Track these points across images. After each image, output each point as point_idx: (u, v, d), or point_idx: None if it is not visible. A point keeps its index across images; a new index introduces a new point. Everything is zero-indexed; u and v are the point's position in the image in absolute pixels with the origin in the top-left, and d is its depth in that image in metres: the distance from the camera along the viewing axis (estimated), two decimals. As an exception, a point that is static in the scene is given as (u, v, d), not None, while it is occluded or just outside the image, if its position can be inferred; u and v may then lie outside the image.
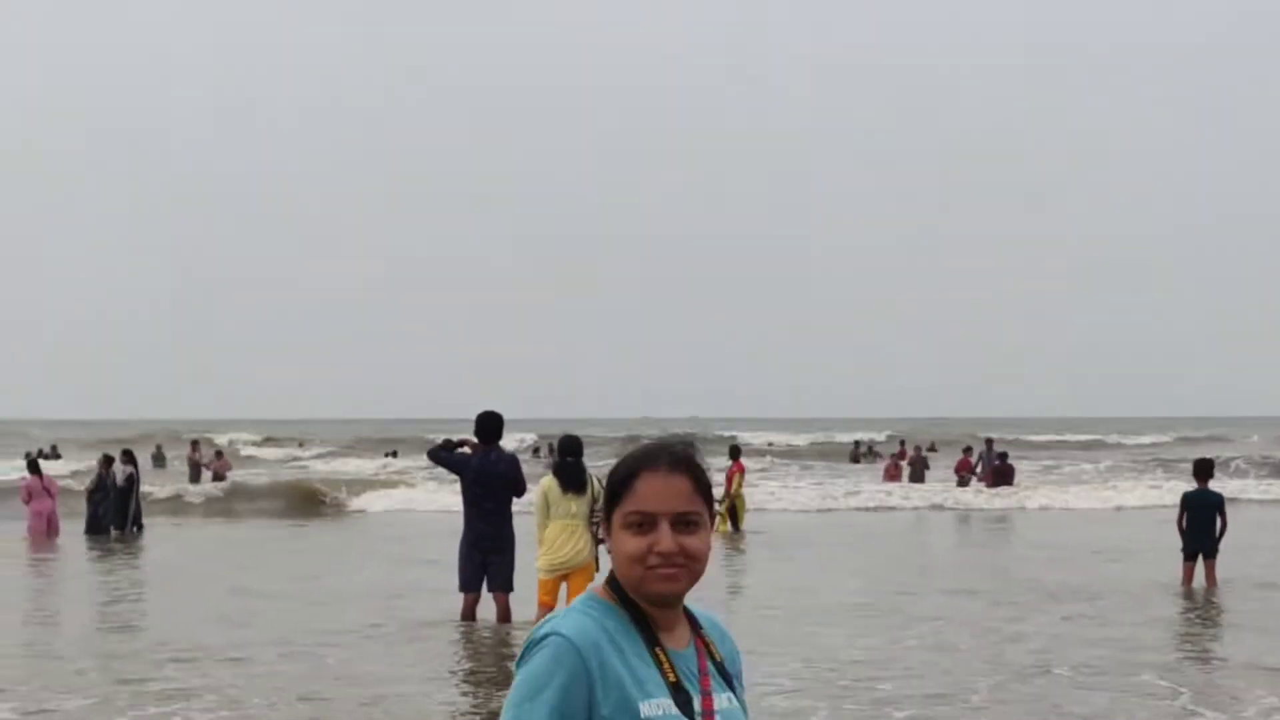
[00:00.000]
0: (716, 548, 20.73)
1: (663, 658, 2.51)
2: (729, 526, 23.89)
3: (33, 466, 24.54)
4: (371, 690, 9.91)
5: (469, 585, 12.42)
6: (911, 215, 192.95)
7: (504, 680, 10.32)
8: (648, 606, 2.53)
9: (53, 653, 11.90)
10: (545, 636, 2.48)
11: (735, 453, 25.62)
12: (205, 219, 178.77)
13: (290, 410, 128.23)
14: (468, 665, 11.17)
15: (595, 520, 11.52)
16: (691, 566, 2.51)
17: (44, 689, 10.05)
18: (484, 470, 12.30)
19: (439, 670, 10.83)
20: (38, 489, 23.21)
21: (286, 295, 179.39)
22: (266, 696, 9.67)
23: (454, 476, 13.63)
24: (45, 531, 22.75)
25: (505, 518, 12.44)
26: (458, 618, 12.46)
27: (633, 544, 2.49)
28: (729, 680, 2.62)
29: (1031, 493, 33.23)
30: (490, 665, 11.09)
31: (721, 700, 2.56)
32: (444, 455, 12.67)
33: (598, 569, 11.77)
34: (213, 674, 10.51)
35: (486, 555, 12.33)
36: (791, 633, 12.57)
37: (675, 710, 2.47)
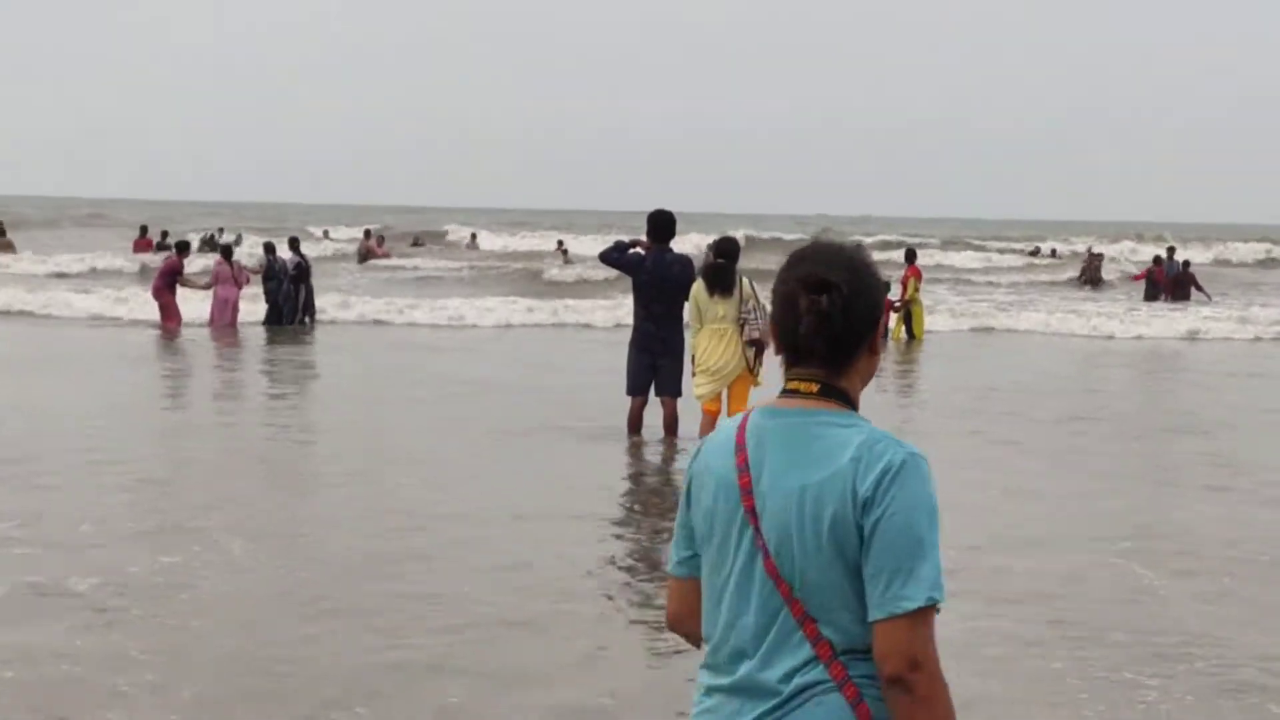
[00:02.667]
0: (887, 356, 20.79)
1: None
2: (904, 333, 23.51)
3: (226, 252, 24.78)
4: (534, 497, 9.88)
5: (637, 389, 12.24)
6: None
7: (664, 491, 10.23)
8: None
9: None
10: (914, 454, 2.44)
11: (911, 256, 25.06)
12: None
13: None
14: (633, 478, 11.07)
15: (743, 321, 11.23)
16: None
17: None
18: (657, 271, 12.00)
19: (606, 479, 10.75)
20: (226, 275, 23.56)
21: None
22: (422, 501, 9.65)
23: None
24: (230, 320, 23.19)
25: (676, 320, 12.18)
26: (624, 422, 12.30)
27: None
28: None
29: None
30: (653, 477, 11.00)
31: None
32: (615, 256, 12.34)
33: (754, 375, 11.48)
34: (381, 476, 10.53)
35: (656, 359, 12.10)
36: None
37: None
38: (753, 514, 2.45)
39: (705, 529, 2.54)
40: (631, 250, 12.23)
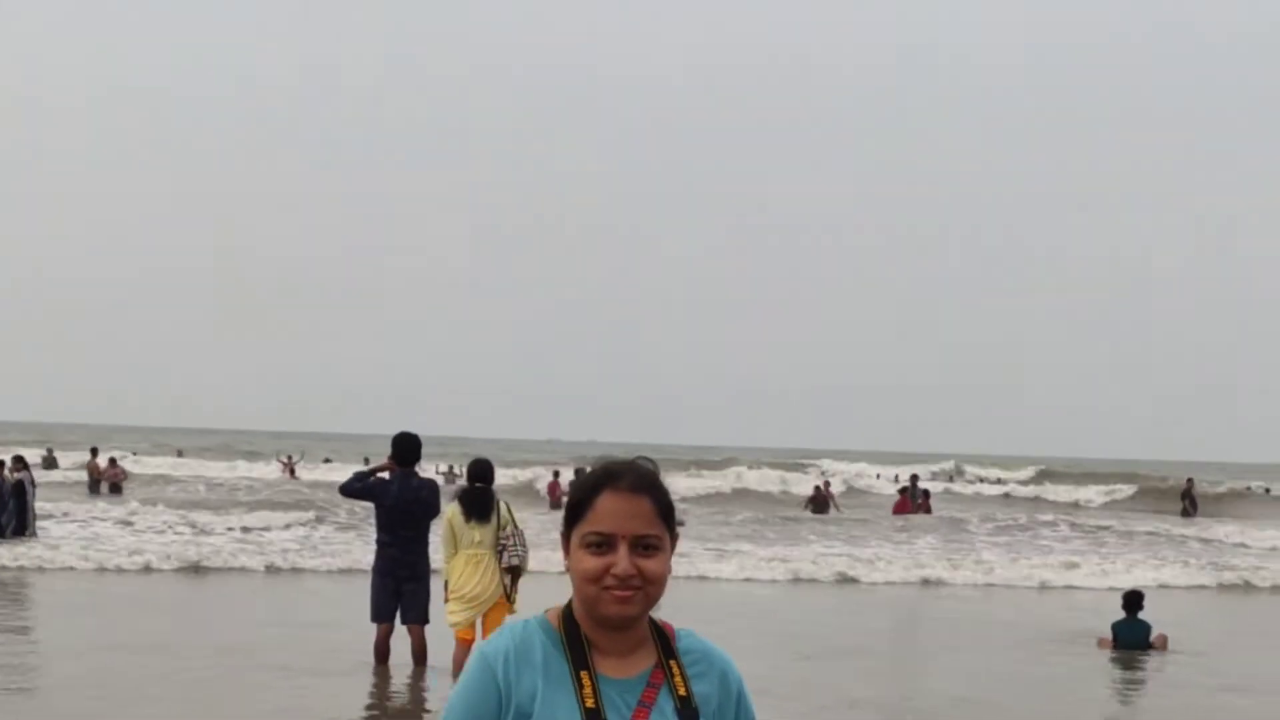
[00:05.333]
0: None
1: (586, 681, 2.45)
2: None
3: None
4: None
5: (382, 614, 11.66)
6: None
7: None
8: (594, 629, 2.49)
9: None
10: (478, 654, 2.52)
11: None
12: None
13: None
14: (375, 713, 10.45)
15: (502, 546, 10.91)
16: (647, 590, 2.46)
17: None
18: (403, 495, 11.59)
19: (349, 713, 10.12)
20: None
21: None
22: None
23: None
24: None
25: (423, 545, 11.75)
26: (370, 653, 11.69)
27: (590, 564, 2.45)
28: (690, 716, 2.48)
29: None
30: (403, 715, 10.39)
31: None
32: (357, 486, 11.90)
33: (511, 602, 11.13)
34: None
35: (401, 584, 11.59)
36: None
37: None
38: None
39: None
40: (374, 476, 11.85)
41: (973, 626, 16.28)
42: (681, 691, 2.48)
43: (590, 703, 2.44)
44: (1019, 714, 10.74)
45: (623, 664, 2.50)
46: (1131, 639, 14.31)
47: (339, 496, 13.12)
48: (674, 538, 2.54)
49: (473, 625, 11.14)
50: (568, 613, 2.53)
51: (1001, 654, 13.91)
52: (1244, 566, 24.72)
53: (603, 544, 2.45)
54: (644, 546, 2.45)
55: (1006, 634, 15.46)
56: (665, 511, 2.51)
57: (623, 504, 2.46)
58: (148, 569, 19.91)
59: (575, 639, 2.49)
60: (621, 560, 2.43)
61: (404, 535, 11.60)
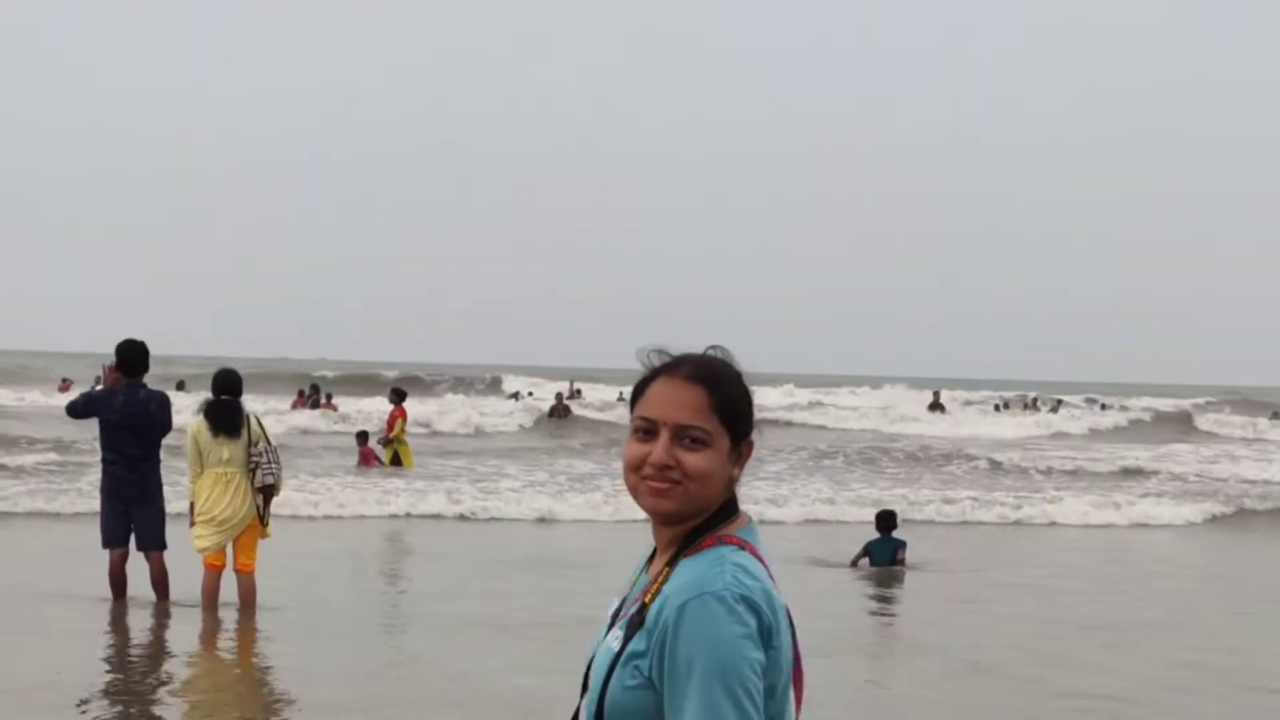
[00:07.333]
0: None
1: (636, 574, 2.41)
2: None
3: None
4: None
5: (114, 539, 10.64)
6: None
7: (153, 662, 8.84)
8: (651, 525, 2.36)
9: None
10: None
11: (399, 397, 24.32)
12: None
13: None
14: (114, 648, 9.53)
15: (254, 465, 10.11)
16: (687, 485, 2.26)
17: None
18: (130, 409, 10.55)
19: (82, 653, 9.16)
20: None
21: None
22: None
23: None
24: None
25: (153, 463, 10.75)
26: (105, 583, 10.65)
27: (632, 450, 2.31)
28: (633, 624, 2.27)
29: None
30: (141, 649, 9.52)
31: (608, 635, 2.33)
32: (81, 402, 10.87)
33: (265, 525, 10.32)
34: None
35: (130, 506, 10.58)
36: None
37: (608, 620, 2.38)
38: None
39: (785, 672, 2.28)
40: (97, 388, 10.79)
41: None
42: (647, 599, 2.27)
43: (625, 592, 2.40)
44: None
45: (657, 561, 2.36)
46: (884, 556, 14.43)
47: None
48: (744, 442, 2.32)
49: (223, 551, 10.31)
50: None
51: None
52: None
53: (648, 430, 2.28)
54: (689, 438, 2.26)
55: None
56: (726, 408, 2.29)
57: (673, 391, 2.28)
58: None
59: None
60: (659, 449, 2.26)
61: (130, 453, 10.61)
